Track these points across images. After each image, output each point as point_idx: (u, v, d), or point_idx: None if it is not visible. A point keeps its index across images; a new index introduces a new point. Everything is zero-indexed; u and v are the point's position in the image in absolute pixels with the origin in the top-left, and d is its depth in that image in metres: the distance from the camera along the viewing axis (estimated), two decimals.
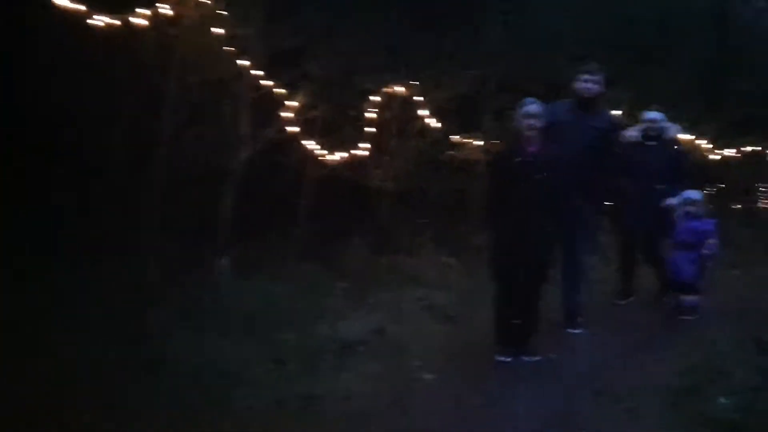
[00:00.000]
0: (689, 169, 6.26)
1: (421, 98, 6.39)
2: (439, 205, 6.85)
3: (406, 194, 6.56)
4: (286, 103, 5.31)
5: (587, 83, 5.07)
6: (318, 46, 5.53)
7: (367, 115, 6.16)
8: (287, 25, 5.43)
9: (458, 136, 6.57)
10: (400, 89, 6.30)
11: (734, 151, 9.26)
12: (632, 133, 6.08)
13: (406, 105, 6.44)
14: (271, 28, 5.37)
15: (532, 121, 4.50)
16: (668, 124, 6.14)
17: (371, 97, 6.18)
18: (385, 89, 6.29)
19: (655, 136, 5.96)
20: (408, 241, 6.78)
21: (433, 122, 6.43)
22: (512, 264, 4.56)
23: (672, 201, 5.66)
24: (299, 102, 5.32)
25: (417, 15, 6.49)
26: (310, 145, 5.62)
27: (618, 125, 5.70)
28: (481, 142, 6.72)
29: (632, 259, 6.17)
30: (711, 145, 9.01)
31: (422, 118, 6.43)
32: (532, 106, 4.58)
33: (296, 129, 5.41)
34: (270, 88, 5.25)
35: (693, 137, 8.82)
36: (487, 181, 5.24)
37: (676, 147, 6.24)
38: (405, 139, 6.42)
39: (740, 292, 7.04)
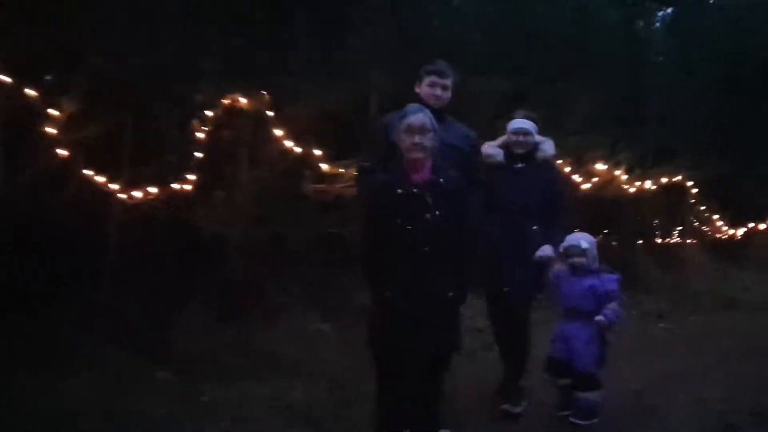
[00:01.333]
0: (565, 202, 4.33)
1: (276, 115, 4.77)
2: (307, 254, 5.17)
3: (257, 242, 4.84)
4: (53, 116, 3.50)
5: (435, 88, 3.54)
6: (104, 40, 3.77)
7: (197, 135, 4.45)
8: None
9: (328, 165, 4.93)
10: (244, 101, 4.65)
11: (651, 182, 8.27)
12: (492, 150, 4.04)
13: (256, 123, 4.80)
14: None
15: (418, 139, 3.04)
16: (541, 138, 4.13)
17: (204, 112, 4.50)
18: (224, 101, 4.63)
19: (524, 156, 4.03)
20: (265, 305, 5.08)
21: (294, 146, 4.80)
22: (402, 344, 3.07)
23: (548, 250, 3.89)
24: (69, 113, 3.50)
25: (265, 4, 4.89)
26: (101, 177, 3.82)
27: (475, 144, 3.75)
28: None
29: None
30: (626, 176, 7.95)
31: (279, 140, 4.79)
32: (419, 116, 3.09)
33: (69, 155, 3.58)
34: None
35: (607, 167, 7.74)
36: (360, 222, 3.67)
37: (551, 170, 4.26)
38: (253, 169, 4.73)
39: (678, 351, 5.90)
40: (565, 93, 7.08)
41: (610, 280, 3.81)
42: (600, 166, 7.65)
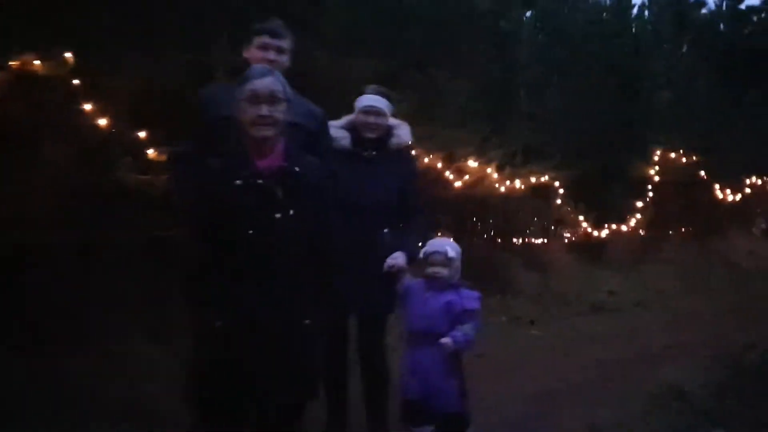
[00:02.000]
0: (421, 200, 3.52)
1: (86, 85, 3.70)
2: (128, 263, 4.12)
3: (60, 248, 3.74)
4: None
5: (268, 51, 2.77)
6: None
7: None
8: None
9: (154, 151, 3.91)
10: (40, 64, 3.54)
11: (520, 182, 7.96)
12: (336, 131, 3.20)
13: (60, 94, 3.70)
14: None
15: (267, 110, 2.27)
16: (396, 122, 3.39)
17: None
18: (12, 62, 3.51)
19: (375, 141, 3.27)
20: (73, 327, 3.98)
21: (109, 125, 3.76)
22: (237, 393, 2.26)
23: (400, 257, 3.15)
24: None
25: None
26: None
27: (324, 123, 2.97)
28: None
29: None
30: (496, 175, 7.57)
31: (89, 116, 3.72)
32: (267, 80, 2.33)
33: None
34: None
35: (478, 164, 7.30)
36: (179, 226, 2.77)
37: (408, 162, 3.54)
38: (54, 154, 3.63)
39: (555, 362, 5.50)
40: (436, 81, 6.51)
41: (470, 297, 3.04)
42: (472, 163, 7.21)
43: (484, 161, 7.27)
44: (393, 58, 6.21)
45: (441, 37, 7.04)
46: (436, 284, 3.04)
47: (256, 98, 2.24)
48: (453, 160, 6.93)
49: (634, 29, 10.98)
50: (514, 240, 8.41)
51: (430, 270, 3.04)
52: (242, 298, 2.20)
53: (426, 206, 3.73)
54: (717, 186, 10.34)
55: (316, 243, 2.30)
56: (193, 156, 2.50)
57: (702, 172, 10.13)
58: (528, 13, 9.76)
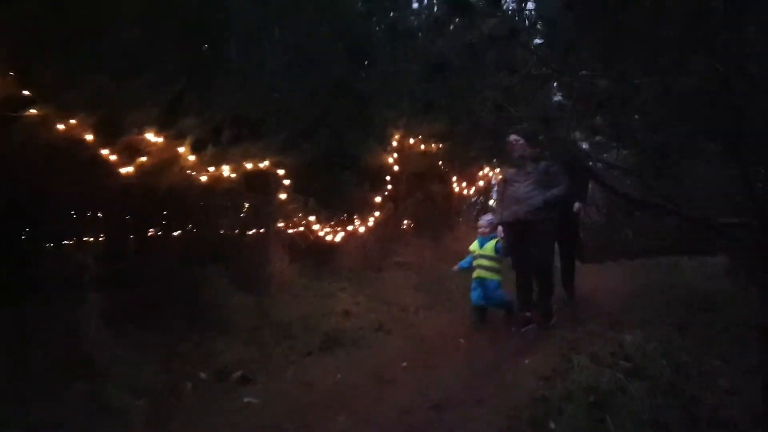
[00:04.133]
0: None
1: None
2: None
3: None
4: None
5: None
6: None
7: None
8: None
9: None
10: None
11: (229, 168, 5.56)
12: None
13: None
14: None
15: None
16: None
17: None
18: None
19: None
20: None
21: None
22: None
23: None
24: None
25: None
26: None
27: None
28: None
29: None
30: (193, 157, 5.07)
31: None
32: None
33: None
34: None
35: (163, 139, 4.73)
36: None
37: None
38: None
39: None
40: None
41: None
42: (152, 138, 4.60)
43: (173, 135, 4.73)
44: None
45: None
46: None
47: None
48: (118, 131, 4.25)
49: None
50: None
51: None
52: None
53: None
54: (454, 179, 9.15)
55: None
56: None
57: (440, 162, 8.82)
58: None
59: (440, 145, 8.61)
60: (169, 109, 4.60)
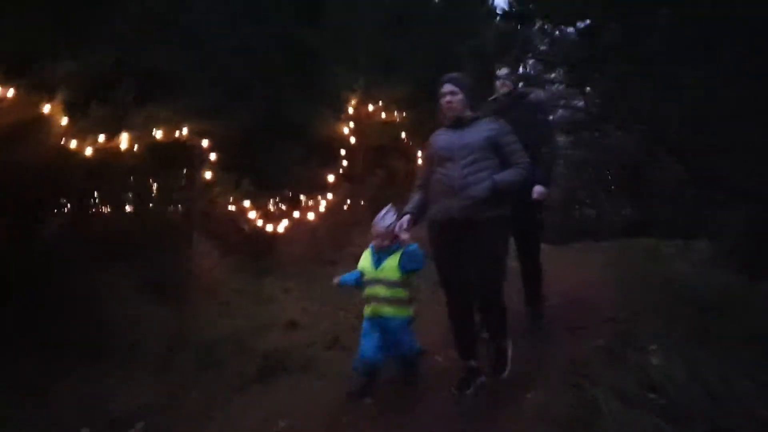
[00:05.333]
0: None
1: None
2: None
3: None
4: None
5: None
6: None
7: None
8: None
9: None
10: None
11: (129, 138, 4.06)
12: None
13: None
14: None
15: None
16: None
17: None
18: None
19: None
20: None
21: None
22: None
23: None
24: None
25: None
26: None
27: None
28: None
29: None
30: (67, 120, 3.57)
31: None
32: None
33: None
34: None
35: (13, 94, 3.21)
36: None
37: None
38: None
39: None
40: None
41: None
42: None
43: (34, 89, 3.21)
44: None
45: None
46: None
47: None
48: None
49: None
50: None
51: None
52: None
53: None
54: (420, 153, 7.78)
55: None
56: None
57: (403, 134, 7.43)
58: None
59: (404, 113, 7.24)
60: (25, 48, 3.08)
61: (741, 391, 3.98)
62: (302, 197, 6.03)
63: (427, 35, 7.18)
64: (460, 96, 3.91)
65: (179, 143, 4.53)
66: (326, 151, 6.35)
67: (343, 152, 6.38)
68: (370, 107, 6.83)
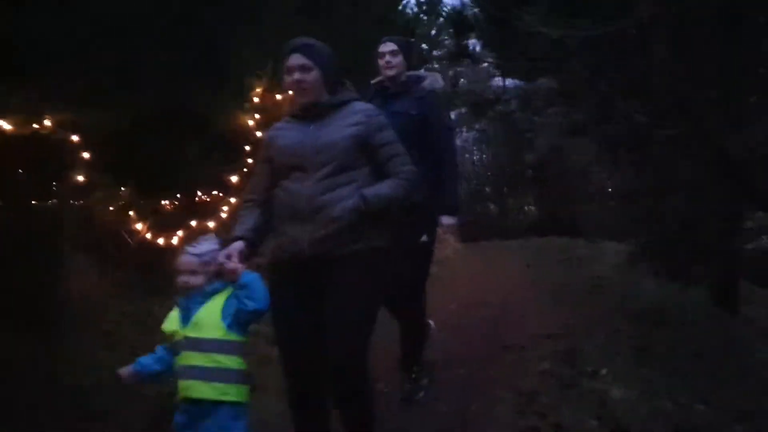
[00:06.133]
0: None
1: None
2: None
3: None
4: None
5: None
6: None
7: None
8: None
9: None
10: None
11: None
12: None
13: None
14: None
15: None
16: None
17: None
18: None
19: None
20: None
21: None
22: None
23: None
24: None
25: None
26: None
27: None
28: None
29: None
30: None
31: None
32: None
33: None
34: None
35: None
36: None
37: None
38: None
39: None
40: None
41: None
42: None
43: None
44: None
45: None
46: None
47: None
48: None
49: None
50: None
51: None
52: None
53: None
54: None
55: None
56: None
57: None
58: None
59: None
60: None
61: (700, 420, 3.82)
62: (200, 203, 5.17)
63: (344, 18, 6.49)
64: (315, 72, 2.79)
65: (42, 138, 3.58)
66: (230, 148, 5.50)
67: (247, 148, 5.55)
68: (278, 96, 6.05)
